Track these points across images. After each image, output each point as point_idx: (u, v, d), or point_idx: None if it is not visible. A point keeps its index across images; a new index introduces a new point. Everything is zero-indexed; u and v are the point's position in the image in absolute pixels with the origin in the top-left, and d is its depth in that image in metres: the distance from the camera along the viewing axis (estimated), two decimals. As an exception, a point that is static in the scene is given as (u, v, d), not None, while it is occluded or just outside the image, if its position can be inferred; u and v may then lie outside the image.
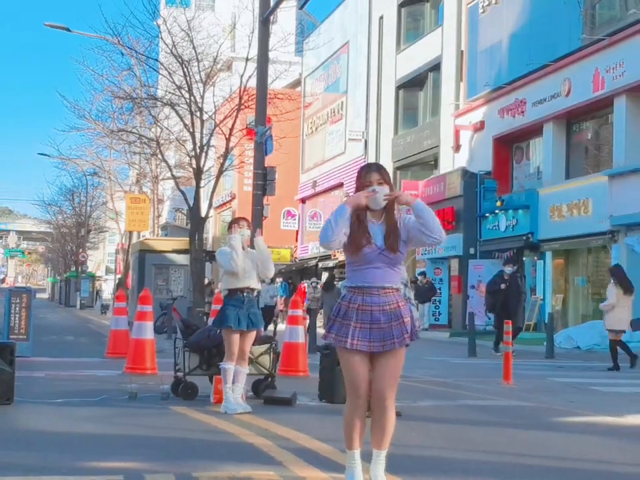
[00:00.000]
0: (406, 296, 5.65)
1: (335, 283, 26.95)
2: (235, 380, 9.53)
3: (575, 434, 8.72)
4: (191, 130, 26.95)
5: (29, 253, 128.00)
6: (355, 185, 5.73)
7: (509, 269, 20.89)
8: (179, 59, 27.35)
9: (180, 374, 10.53)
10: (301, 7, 23.13)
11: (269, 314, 24.82)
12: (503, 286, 20.40)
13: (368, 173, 5.62)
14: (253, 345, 10.12)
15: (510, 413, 10.35)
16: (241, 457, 6.92)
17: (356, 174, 5.78)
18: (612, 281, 17.22)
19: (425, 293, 31.71)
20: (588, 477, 6.70)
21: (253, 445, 7.38)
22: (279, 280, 31.83)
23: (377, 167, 5.72)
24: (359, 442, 5.63)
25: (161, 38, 29.88)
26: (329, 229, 5.47)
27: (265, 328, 11.49)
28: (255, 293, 9.83)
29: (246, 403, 9.55)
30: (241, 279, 9.55)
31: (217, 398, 9.95)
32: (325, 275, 38.50)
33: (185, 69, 27.06)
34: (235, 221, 9.85)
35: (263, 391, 10.71)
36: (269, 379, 10.85)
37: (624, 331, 17.14)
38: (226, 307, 9.52)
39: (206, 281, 30.43)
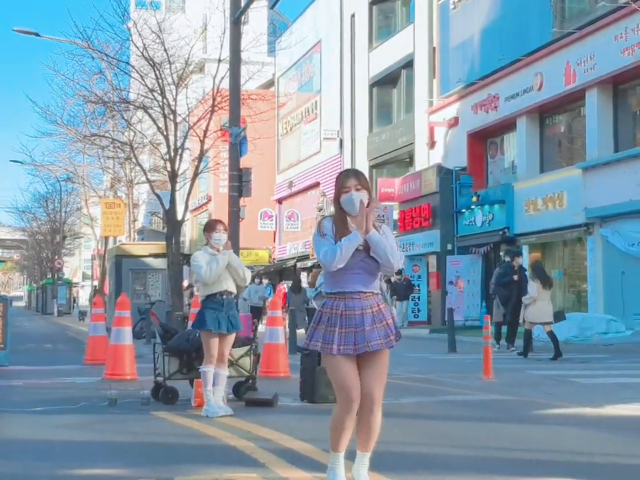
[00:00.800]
0: (384, 298, 5.69)
1: (302, 284, 26.99)
2: (215, 382, 9.50)
3: (555, 426, 8.76)
4: (165, 133, 26.85)
5: (4, 261, 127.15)
6: (334, 191, 5.74)
7: (519, 260, 20.48)
8: (151, 62, 27.23)
9: (160, 378, 10.50)
10: (272, 7, 23.14)
11: (257, 315, 24.64)
12: (515, 277, 19.82)
13: (346, 179, 5.61)
14: (233, 347, 10.12)
15: (490, 407, 10.38)
16: (224, 459, 6.90)
17: (333, 174, 5.78)
18: (532, 277, 18.40)
19: (403, 290, 31.78)
20: (569, 468, 6.73)
21: (235, 448, 7.37)
22: (265, 281, 31.72)
23: (355, 173, 5.71)
24: (345, 445, 5.63)
25: (132, 41, 29.74)
26: (338, 257, 5.45)
27: (256, 328, 11.48)
28: (233, 296, 9.81)
29: (227, 406, 9.53)
30: (217, 283, 9.53)
31: (197, 402, 9.92)
32: (303, 276, 38.43)
33: (157, 72, 26.94)
34: (212, 225, 9.79)
35: (244, 393, 10.70)
36: (250, 381, 10.84)
37: (551, 323, 18.08)
38: (205, 310, 9.49)
39: (186, 283, 30.33)
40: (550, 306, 18.26)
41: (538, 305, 17.96)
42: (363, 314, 5.52)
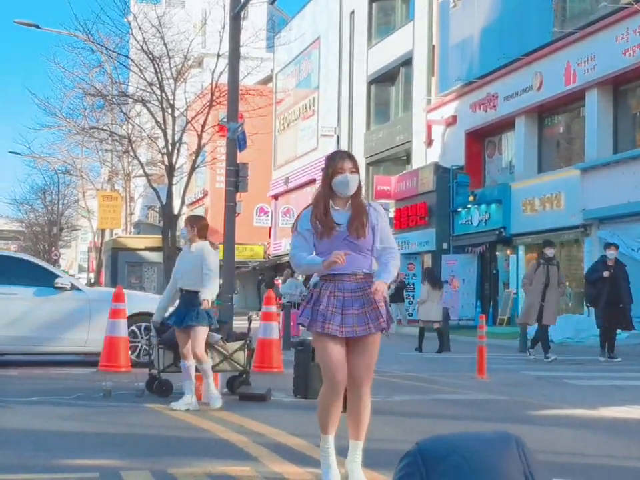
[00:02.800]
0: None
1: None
2: (203, 377, 9.56)
3: (549, 427, 8.74)
4: (163, 127, 26.87)
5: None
6: (324, 171, 5.64)
7: (611, 253, 17.68)
8: (150, 56, 27.26)
9: (154, 371, 10.49)
10: (272, 2, 23.13)
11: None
12: (606, 274, 17.29)
13: (341, 160, 5.53)
14: (228, 341, 10.35)
15: (484, 406, 10.37)
16: (217, 453, 6.89)
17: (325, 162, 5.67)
18: (422, 279, 20.86)
19: (397, 292, 31.42)
20: (562, 469, 6.72)
21: (229, 441, 7.36)
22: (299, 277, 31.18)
23: (349, 155, 5.67)
24: (334, 427, 5.60)
25: (132, 34, 29.76)
26: (301, 269, 5.84)
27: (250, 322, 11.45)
28: (192, 294, 9.64)
29: (197, 403, 9.39)
30: (178, 280, 9.60)
31: (192, 395, 9.92)
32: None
33: (156, 66, 26.98)
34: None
35: (237, 387, 10.69)
36: (244, 375, 10.83)
37: (437, 321, 20.08)
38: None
39: None
40: (439, 306, 20.12)
41: (427, 305, 19.79)
42: (353, 297, 5.47)
